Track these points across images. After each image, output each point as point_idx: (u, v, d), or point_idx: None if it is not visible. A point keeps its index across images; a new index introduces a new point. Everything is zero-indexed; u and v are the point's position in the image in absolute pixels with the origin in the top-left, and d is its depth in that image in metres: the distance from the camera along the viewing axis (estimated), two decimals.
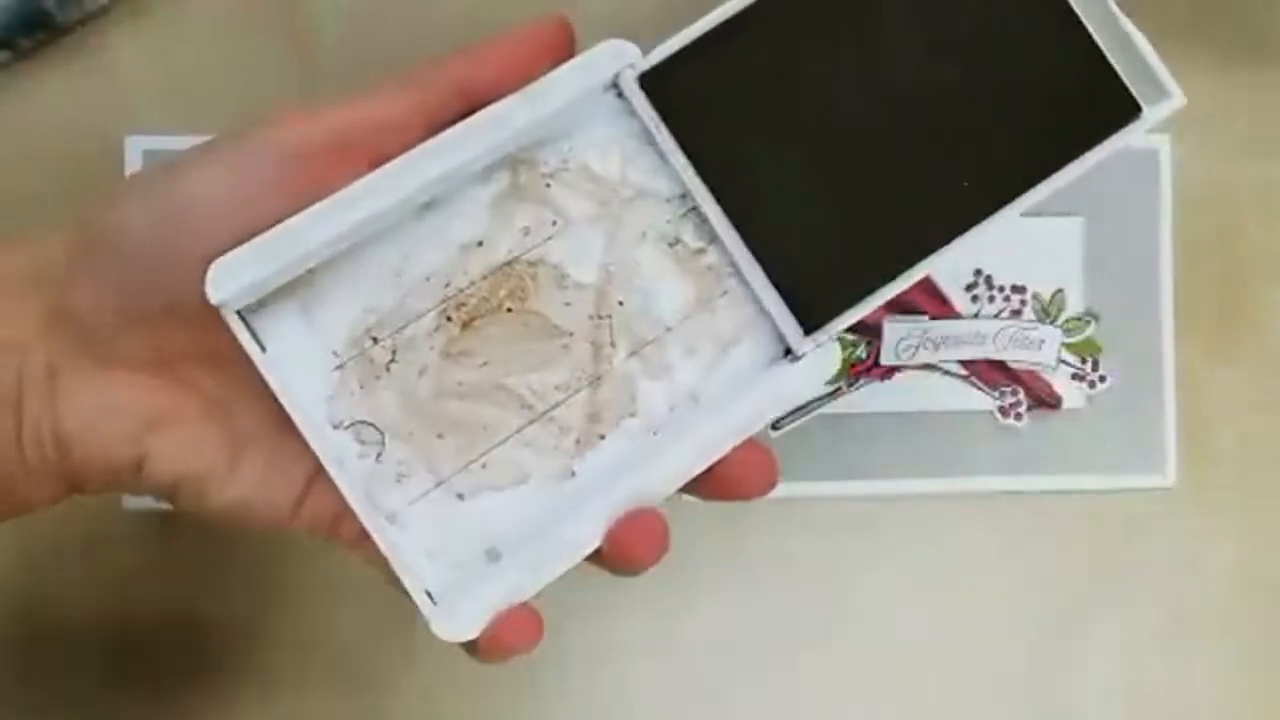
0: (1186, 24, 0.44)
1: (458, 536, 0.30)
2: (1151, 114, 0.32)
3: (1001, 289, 0.43)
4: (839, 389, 0.43)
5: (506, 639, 0.29)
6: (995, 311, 0.43)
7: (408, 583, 0.29)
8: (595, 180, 0.31)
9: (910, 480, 0.43)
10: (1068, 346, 0.43)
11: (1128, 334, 0.43)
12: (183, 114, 0.42)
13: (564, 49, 0.30)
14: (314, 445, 0.29)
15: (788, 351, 0.31)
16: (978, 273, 0.43)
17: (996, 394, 0.43)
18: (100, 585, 0.42)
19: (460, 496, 0.30)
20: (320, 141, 0.28)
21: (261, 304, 0.29)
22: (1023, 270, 0.43)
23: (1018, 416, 0.43)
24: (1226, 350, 0.44)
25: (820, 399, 0.43)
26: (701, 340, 0.31)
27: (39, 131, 0.41)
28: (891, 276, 0.31)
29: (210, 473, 0.30)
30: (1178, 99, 0.31)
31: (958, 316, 0.43)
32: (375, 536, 0.29)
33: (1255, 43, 0.44)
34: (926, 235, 0.31)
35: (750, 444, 0.31)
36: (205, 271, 0.28)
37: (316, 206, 0.28)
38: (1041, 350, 0.43)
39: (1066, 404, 0.43)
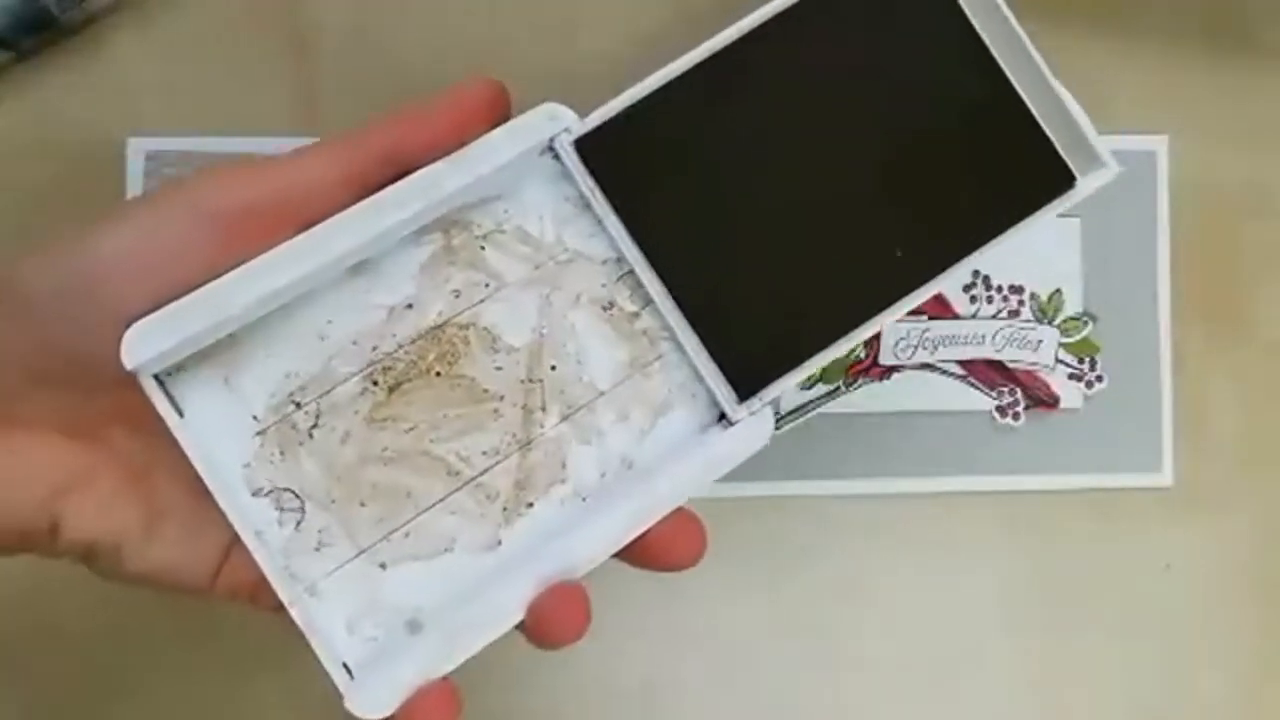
0: (1183, 24, 0.44)
1: (378, 607, 0.30)
2: (1085, 184, 0.32)
3: (999, 289, 0.43)
4: (838, 389, 0.43)
5: (423, 716, 0.28)
6: (993, 312, 0.43)
7: (323, 656, 0.28)
8: (530, 243, 0.31)
9: (908, 479, 0.43)
10: (1065, 346, 0.43)
11: (1125, 334, 0.43)
12: (185, 114, 0.42)
13: (499, 111, 0.30)
14: (229, 514, 0.28)
15: (722, 416, 0.31)
16: (976, 273, 0.43)
17: (994, 394, 0.43)
18: (97, 592, 0.42)
19: (382, 566, 0.30)
20: (242, 205, 0.28)
21: (180, 367, 0.29)
22: (1021, 270, 0.43)
23: (1015, 416, 0.43)
24: (1224, 350, 0.44)
25: (819, 399, 0.43)
26: (634, 405, 0.31)
27: (41, 133, 0.41)
28: (826, 344, 0.31)
29: (126, 538, 0.28)
30: (1111, 169, 0.31)
31: (956, 316, 0.43)
32: (290, 609, 0.28)
33: (1252, 43, 0.44)
34: (861, 303, 0.31)
35: (680, 513, 0.30)
36: (119, 334, 0.27)
37: (237, 271, 0.28)
38: (1039, 350, 0.43)
39: (1064, 404, 0.43)
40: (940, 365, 0.43)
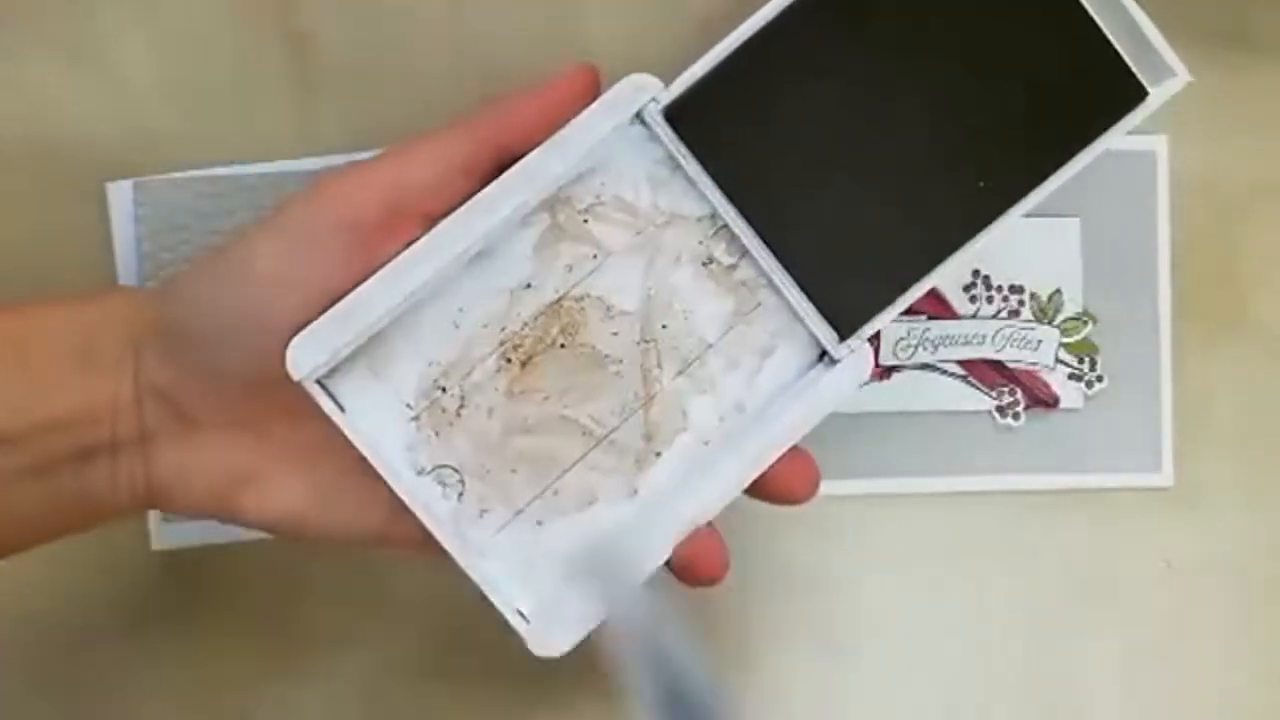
0: (1183, 23, 0.44)
1: (540, 560, 0.33)
2: (1158, 95, 0.33)
3: (999, 289, 0.43)
4: None
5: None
6: (993, 311, 0.43)
7: (501, 606, 0.32)
8: (629, 210, 0.33)
9: (908, 479, 0.44)
10: (1065, 346, 0.43)
11: (1125, 334, 0.44)
12: (184, 115, 0.42)
13: (591, 94, 0.33)
14: (403, 496, 0.32)
15: (822, 355, 0.34)
16: (975, 273, 0.43)
17: (994, 394, 0.43)
18: (126, 626, 0.43)
19: (539, 523, 0.33)
20: (372, 211, 0.31)
21: (335, 368, 0.32)
22: (1021, 270, 0.43)
23: (1015, 416, 0.43)
24: (1224, 350, 0.44)
25: None
26: (741, 352, 0.34)
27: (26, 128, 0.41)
28: (919, 277, 0.33)
29: (299, 515, 0.33)
30: (1182, 76, 0.33)
31: (956, 316, 0.43)
32: (469, 571, 0.32)
33: (1251, 41, 0.44)
34: (948, 235, 0.33)
35: (795, 450, 0.33)
36: (280, 344, 0.31)
37: (380, 275, 0.31)
38: (1039, 350, 0.43)
39: (1064, 404, 0.43)
40: (940, 365, 0.43)
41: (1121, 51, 0.33)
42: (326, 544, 0.34)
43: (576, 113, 0.32)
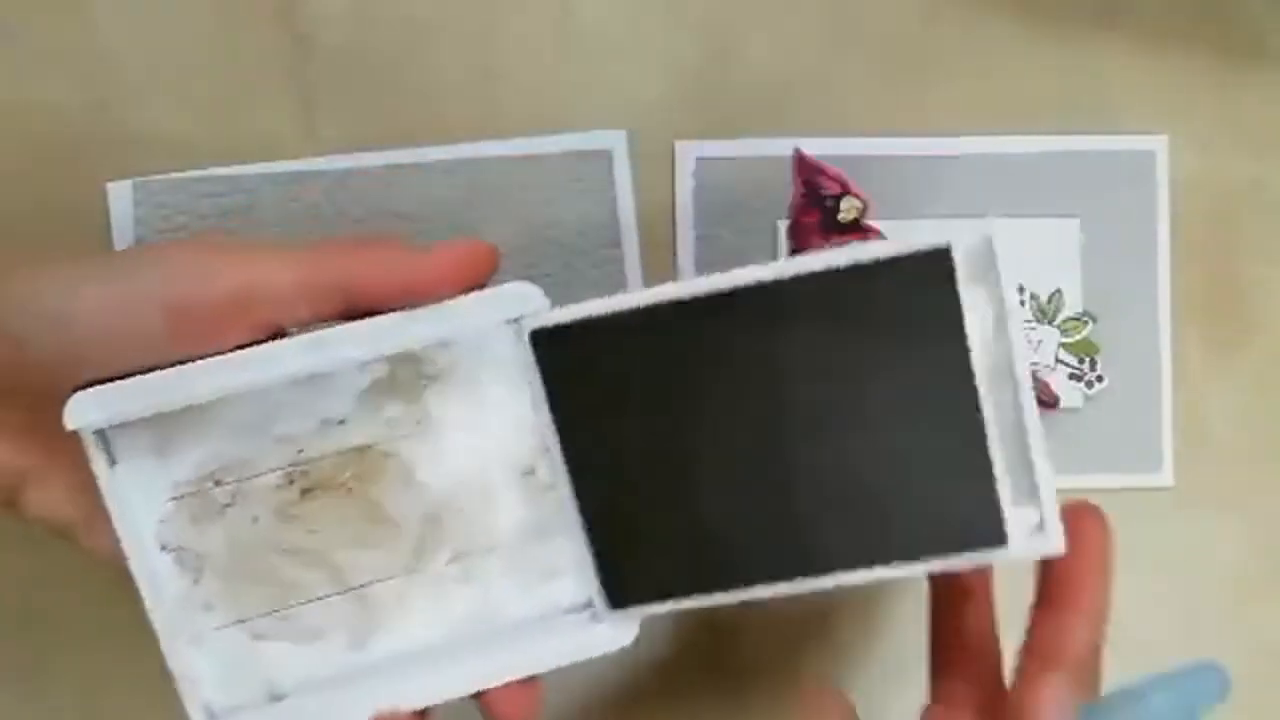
0: (1184, 24, 0.44)
1: (247, 670, 0.33)
2: (1019, 549, 0.30)
3: None
4: None
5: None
6: None
7: (184, 694, 0.32)
8: (472, 393, 0.33)
9: None
10: (1065, 346, 0.43)
11: (1125, 334, 0.44)
12: (184, 116, 0.42)
13: (480, 277, 0.32)
14: (130, 559, 0.32)
15: (590, 605, 0.33)
16: None
17: None
18: (122, 627, 0.43)
19: (256, 637, 0.33)
20: (210, 302, 0.31)
21: (123, 424, 0.31)
22: (1020, 270, 0.43)
23: None
24: (1224, 349, 0.44)
25: None
26: (525, 565, 0.33)
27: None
28: (707, 592, 0.32)
29: (72, 523, 0.33)
30: (1056, 547, 0.31)
31: None
32: (166, 656, 0.32)
33: (1253, 42, 0.44)
34: (753, 569, 0.31)
35: (525, 681, 0.33)
36: (75, 379, 0.30)
37: (191, 368, 0.31)
38: (1039, 350, 0.43)
39: (1064, 404, 0.43)
40: None
41: (1000, 489, 0.30)
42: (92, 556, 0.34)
43: (452, 291, 0.31)
